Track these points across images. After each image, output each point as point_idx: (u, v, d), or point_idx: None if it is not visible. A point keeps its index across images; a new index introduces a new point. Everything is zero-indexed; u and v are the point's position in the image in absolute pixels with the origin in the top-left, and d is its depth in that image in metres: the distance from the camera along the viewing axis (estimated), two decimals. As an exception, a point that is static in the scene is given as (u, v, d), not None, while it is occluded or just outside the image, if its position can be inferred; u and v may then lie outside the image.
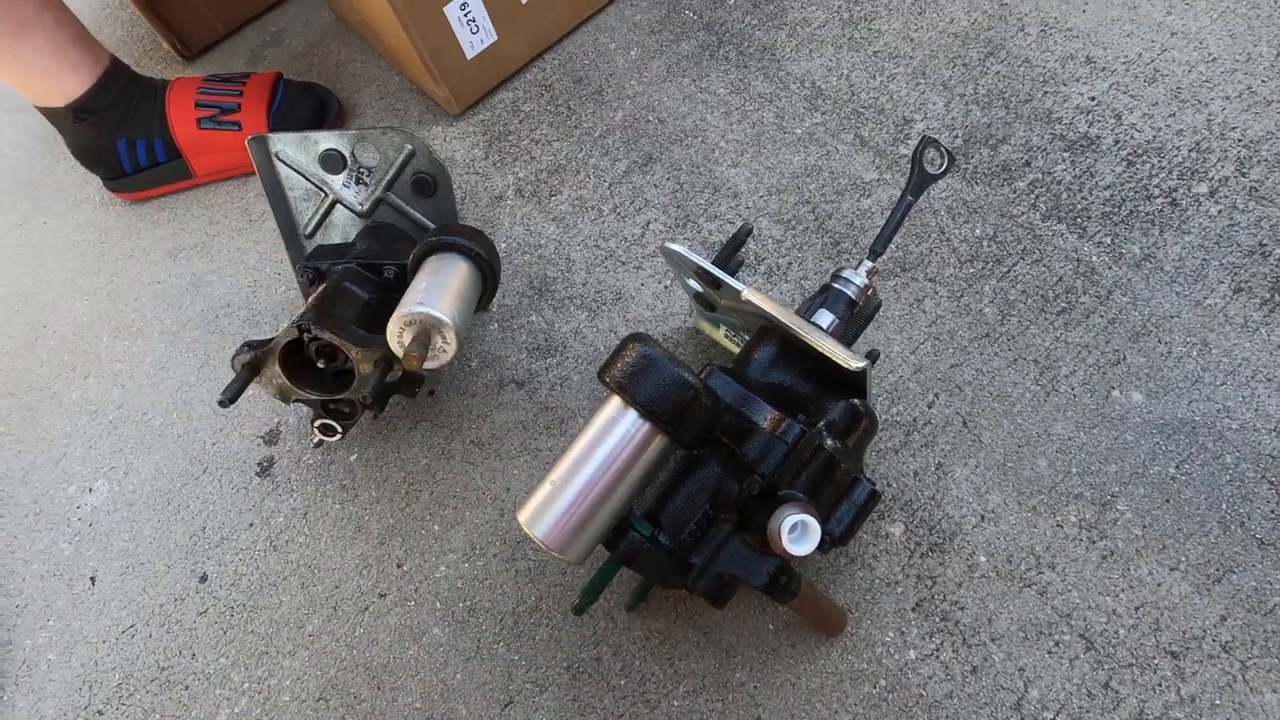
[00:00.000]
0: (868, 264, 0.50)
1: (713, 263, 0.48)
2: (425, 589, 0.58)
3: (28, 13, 0.71)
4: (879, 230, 0.51)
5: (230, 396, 0.51)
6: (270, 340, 0.52)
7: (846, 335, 0.49)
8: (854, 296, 0.49)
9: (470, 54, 0.77)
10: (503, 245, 0.72)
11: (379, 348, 0.52)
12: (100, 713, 0.58)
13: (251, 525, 0.64)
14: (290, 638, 0.58)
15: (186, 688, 0.58)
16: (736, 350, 0.60)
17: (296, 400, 0.55)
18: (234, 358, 0.54)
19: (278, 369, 0.53)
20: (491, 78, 0.82)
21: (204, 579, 0.62)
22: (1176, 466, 0.50)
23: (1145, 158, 0.62)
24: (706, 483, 0.45)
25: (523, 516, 0.42)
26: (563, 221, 0.72)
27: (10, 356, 0.79)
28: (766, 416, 0.44)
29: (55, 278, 0.83)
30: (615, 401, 0.42)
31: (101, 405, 0.73)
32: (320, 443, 0.59)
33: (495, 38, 0.78)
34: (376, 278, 0.58)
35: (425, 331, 0.50)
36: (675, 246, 0.48)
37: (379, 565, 0.59)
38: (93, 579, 0.64)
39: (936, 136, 0.53)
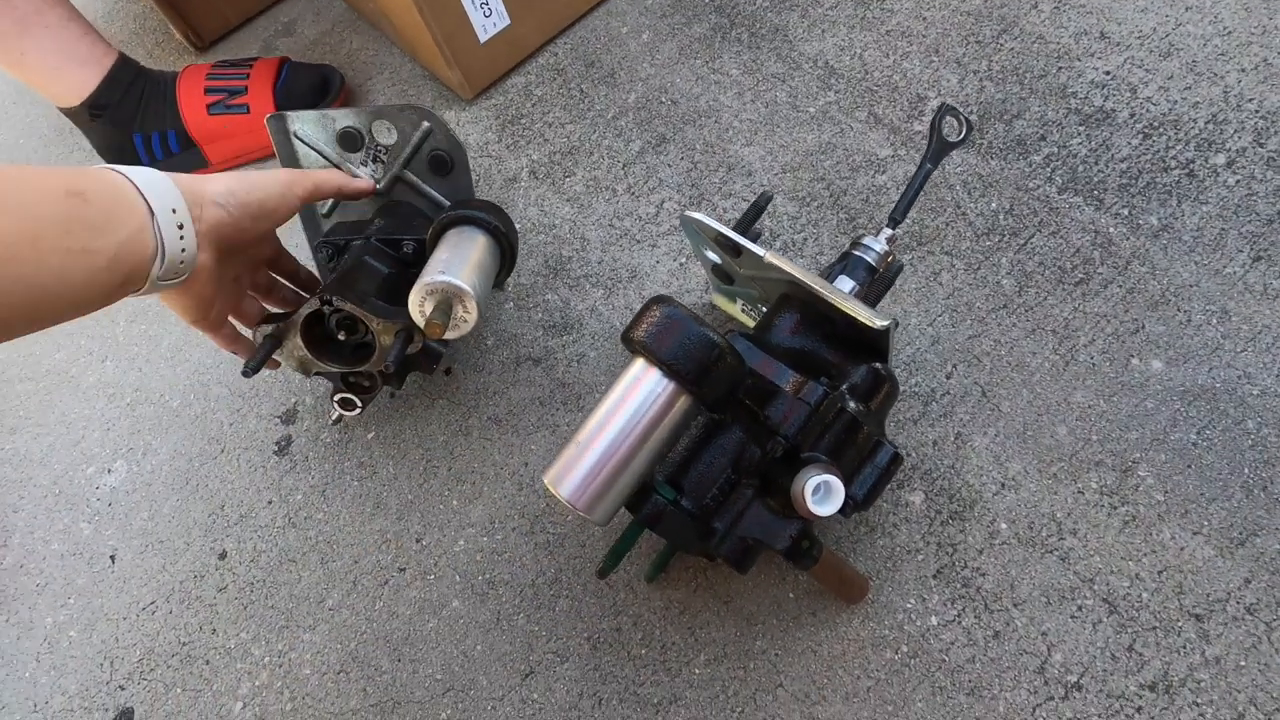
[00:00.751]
0: (888, 231, 0.50)
1: (733, 229, 0.48)
2: (444, 563, 0.58)
3: (28, 10, 0.71)
4: (895, 202, 0.51)
5: (254, 366, 0.51)
6: (293, 312, 0.53)
7: (868, 300, 0.49)
8: (874, 263, 0.49)
9: (483, 37, 0.78)
10: (518, 226, 0.72)
11: (400, 319, 0.52)
12: (122, 687, 0.59)
13: (270, 503, 0.64)
14: (310, 612, 0.58)
15: (208, 662, 0.58)
16: (753, 325, 0.60)
17: (317, 373, 0.56)
18: (255, 329, 0.54)
19: (299, 340, 0.53)
20: (504, 62, 0.82)
21: (223, 556, 0.62)
22: (1198, 432, 0.50)
23: (1161, 130, 0.62)
24: (729, 447, 0.46)
25: (548, 477, 0.42)
26: (577, 202, 0.72)
27: (28, 342, 0.79)
28: (789, 379, 0.44)
29: (72, 264, 0.84)
30: (639, 362, 0.42)
31: (119, 388, 0.74)
32: (339, 418, 0.60)
33: (508, 21, 0.78)
34: (395, 253, 0.58)
35: (447, 301, 0.50)
36: (695, 214, 0.48)
37: (398, 540, 0.60)
38: (113, 557, 0.65)
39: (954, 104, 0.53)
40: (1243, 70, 0.63)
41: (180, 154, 0.84)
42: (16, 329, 0.38)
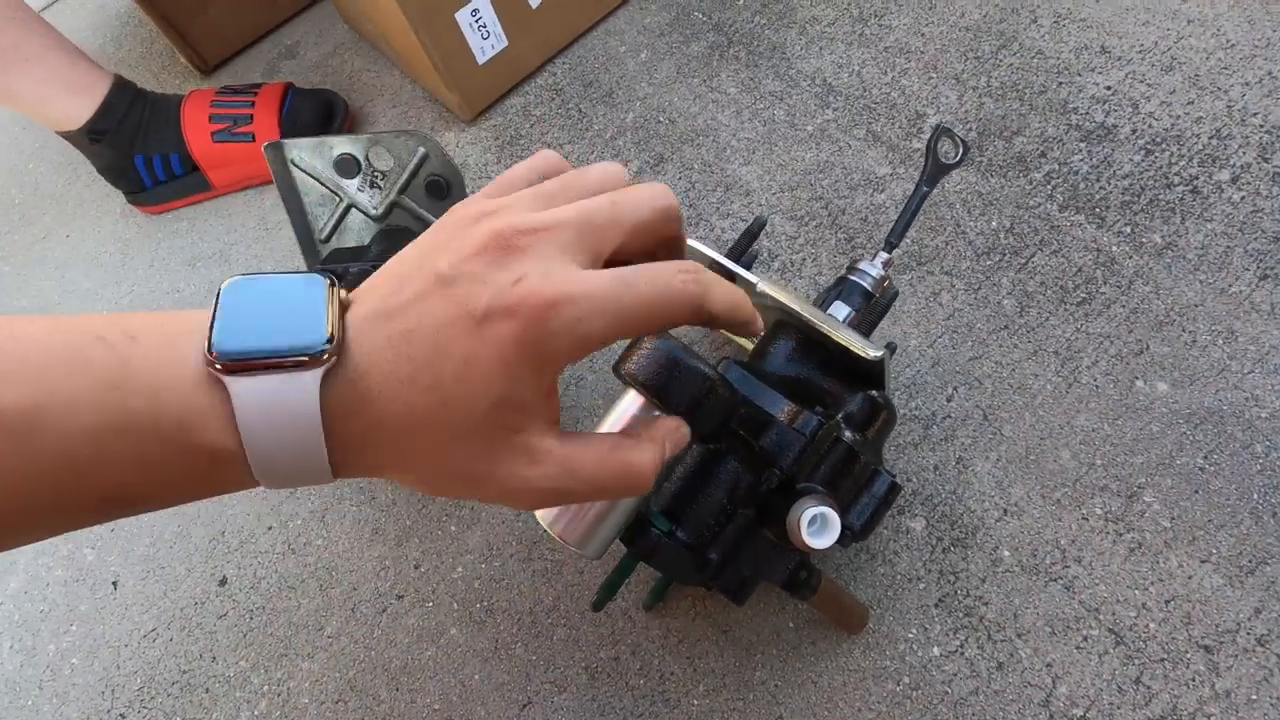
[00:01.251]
0: (883, 255, 0.49)
1: (726, 256, 0.47)
2: (442, 590, 0.57)
3: (4, 46, 0.72)
4: (893, 223, 0.50)
5: None
6: None
7: (863, 327, 0.48)
8: (870, 288, 0.48)
9: (481, 59, 0.78)
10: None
11: None
12: (123, 715, 0.59)
13: (270, 529, 0.64)
14: (309, 640, 0.58)
15: (207, 690, 0.58)
16: (751, 347, 0.59)
17: None
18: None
19: None
20: (503, 83, 0.82)
21: (223, 582, 0.62)
22: (1205, 457, 0.49)
23: (1164, 145, 0.61)
24: (724, 478, 0.45)
25: (540, 512, 0.41)
26: (575, 223, 0.72)
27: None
28: (784, 409, 0.43)
29: (78, 289, 0.85)
30: (630, 394, 0.41)
31: (123, 412, 0.74)
32: None
33: (506, 43, 0.78)
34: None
35: None
36: (689, 241, 0.48)
37: (396, 567, 0.59)
38: (115, 584, 0.65)
39: (950, 126, 0.53)
40: (1246, 84, 0.62)
41: (184, 176, 0.84)
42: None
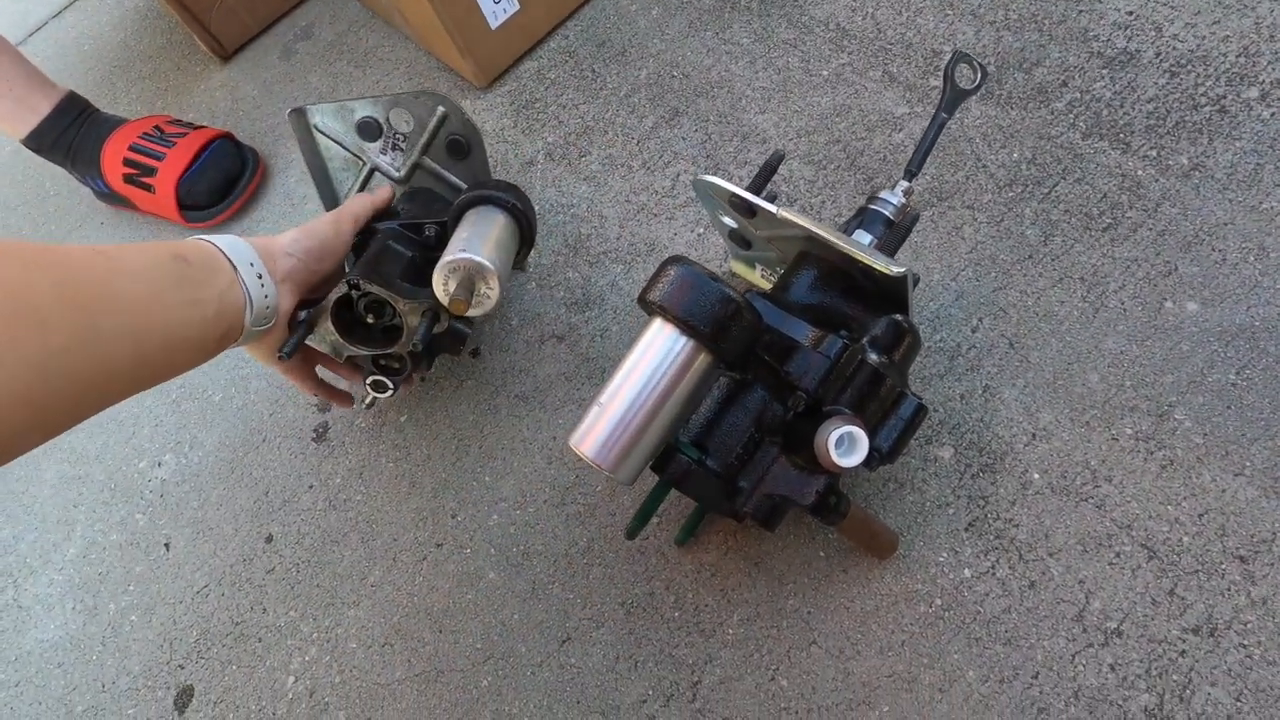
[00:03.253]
0: (904, 184, 0.49)
1: (746, 190, 0.48)
2: (479, 537, 0.59)
3: None
4: (913, 153, 0.50)
5: (289, 350, 0.53)
6: (323, 299, 0.54)
7: (885, 251, 0.48)
8: (891, 216, 0.48)
9: (494, 24, 0.79)
10: (536, 208, 0.73)
11: (425, 299, 0.54)
12: (181, 666, 0.61)
13: (311, 487, 0.66)
14: (354, 589, 0.60)
15: (259, 640, 0.60)
16: (768, 288, 0.60)
17: (348, 356, 0.57)
18: (289, 319, 0.55)
19: (330, 325, 0.54)
20: (516, 47, 0.83)
21: (270, 539, 0.65)
22: (1237, 372, 0.49)
23: (1189, 67, 0.60)
24: (751, 406, 0.46)
25: (572, 439, 0.42)
26: (594, 180, 0.73)
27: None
28: (808, 334, 0.44)
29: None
30: (657, 322, 0.42)
31: (165, 386, 0.77)
32: (372, 400, 0.61)
33: (518, 6, 0.79)
34: (418, 236, 0.59)
35: (469, 277, 0.51)
36: (708, 177, 0.48)
37: (434, 517, 0.61)
38: (167, 545, 0.68)
39: (968, 52, 0.52)
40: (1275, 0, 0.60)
41: (110, 195, 0.87)
42: (160, 376, 0.44)
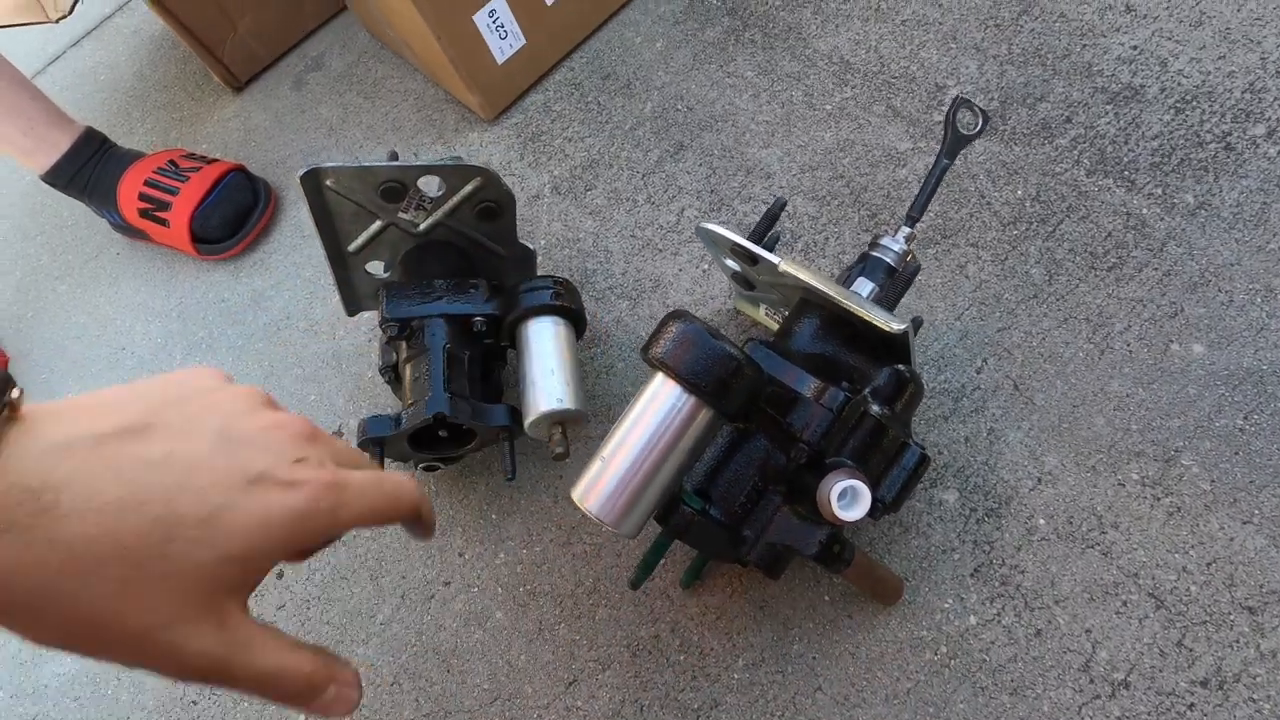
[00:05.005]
0: (905, 229, 0.50)
1: (748, 238, 0.48)
2: (486, 575, 0.60)
3: None
4: (915, 197, 0.50)
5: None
6: (399, 426, 0.54)
7: (887, 302, 0.48)
8: (893, 263, 0.49)
9: (500, 59, 0.79)
10: (541, 242, 0.74)
11: (500, 421, 0.56)
12: (194, 702, 0.62)
13: (321, 523, 0.67)
14: (362, 627, 0.61)
15: (270, 677, 0.61)
16: (776, 328, 0.60)
17: (414, 459, 0.59)
18: (359, 443, 0.56)
19: (406, 446, 0.56)
20: (522, 81, 0.84)
21: (280, 575, 0.65)
22: (1245, 417, 0.48)
23: (1195, 103, 0.60)
24: (754, 455, 0.46)
25: (576, 493, 0.43)
26: (599, 215, 0.73)
27: (94, 378, 0.84)
28: (810, 385, 0.44)
29: (129, 303, 0.89)
30: (659, 378, 0.42)
31: (178, 418, 0.78)
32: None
33: (524, 41, 0.80)
34: (465, 327, 0.58)
35: (564, 423, 0.55)
36: (710, 225, 0.49)
37: (442, 555, 0.62)
38: (180, 579, 0.69)
39: (969, 97, 0.52)
40: (1281, 34, 0.60)
41: (126, 228, 0.89)
42: None
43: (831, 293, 0.43)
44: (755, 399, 0.44)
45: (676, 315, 0.42)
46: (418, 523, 0.33)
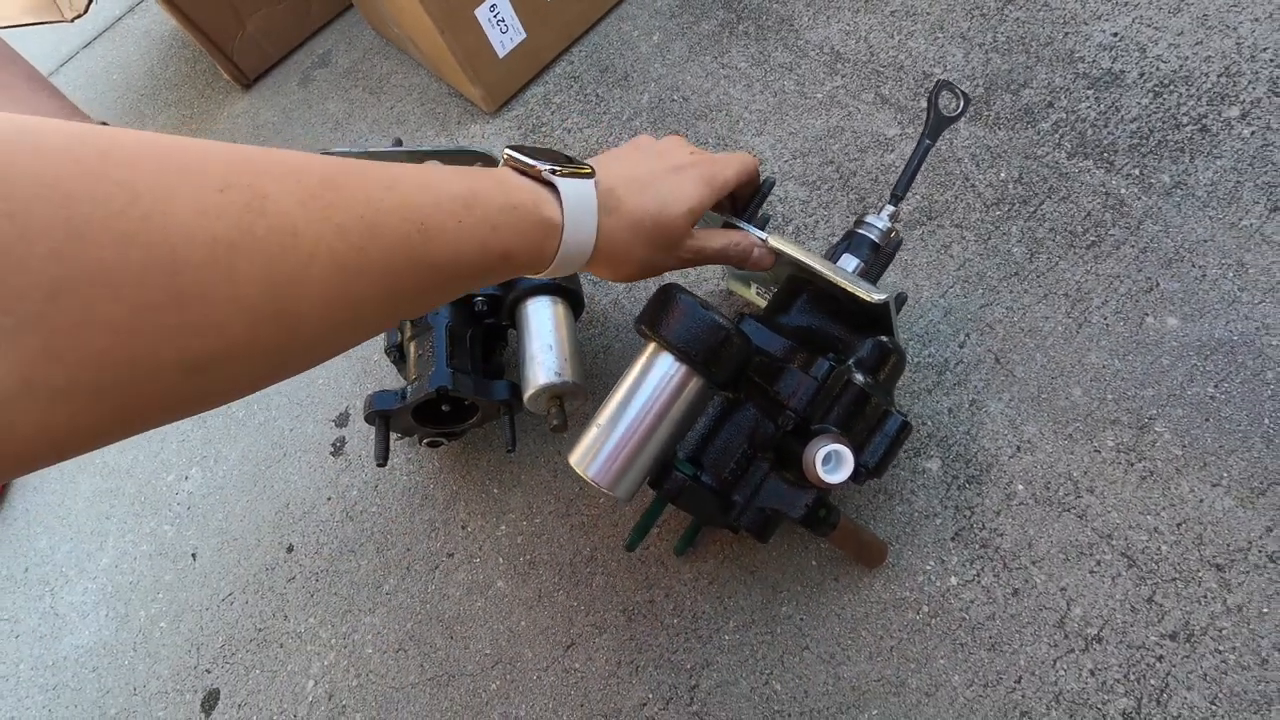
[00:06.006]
0: (889, 208, 0.52)
1: (739, 217, 0.50)
2: (488, 546, 0.62)
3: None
4: (898, 177, 0.52)
5: (382, 457, 0.56)
6: (403, 400, 0.57)
7: (871, 276, 0.50)
8: (877, 240, 0.51)
9: (502, 53, 0.82)
10: (542, 228, 0.76)
11: (501, 395, 0.58)
12: (208, 671, 0.65)
13: (329, 499, 0.69)
14: (369, 597, 0.63)
15: (281, 645, 0.64)
16: (764, 305, 0.62)
17: (419, 434, 0.62)
18: (366, 416, 0.58)
19: (410, 420, 0.58)
20: (523, 74, 0.86)
21: (290, 549, 0.68)
22: (1215, 386, 0.50)
23: (1172, 87, 0.62)
24: (744, 424, 0.48)
25: (573, 458, 0.45)
26: (597, 201, 0.76)
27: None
28: (797, 356, 0.46)
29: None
30: (652, 347, 0.45)
31: (191, 402, 0.80)
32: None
33: (524, 35, 0.82)
34: (467, 307, 0.61)
35: (562, 397, 0.56)
36: (700, 205, 0.51)
37: (445, 528, 0.64)
38: (194, 555, 0.71)
39: (951, 79, 0.54)
40: (1256, 20, 0.62)
41: None
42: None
43: (817, 265, 0.45)
44: (744, 369, 0.46)
45: (669, 288, 0.44)
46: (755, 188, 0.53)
